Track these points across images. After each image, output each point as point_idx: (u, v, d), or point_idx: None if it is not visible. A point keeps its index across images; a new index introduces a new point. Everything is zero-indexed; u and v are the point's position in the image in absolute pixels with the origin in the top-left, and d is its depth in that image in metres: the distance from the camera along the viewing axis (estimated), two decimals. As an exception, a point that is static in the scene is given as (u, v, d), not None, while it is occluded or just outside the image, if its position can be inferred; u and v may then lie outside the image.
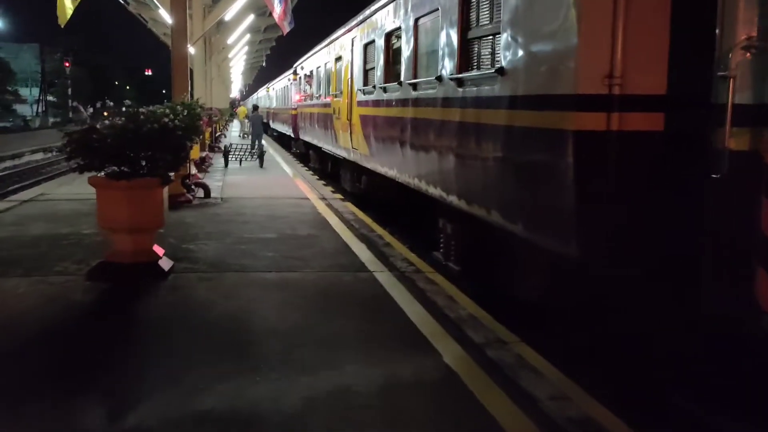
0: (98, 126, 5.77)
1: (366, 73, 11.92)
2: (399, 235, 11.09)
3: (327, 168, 18.54)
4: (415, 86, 8.44)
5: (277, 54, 58.05)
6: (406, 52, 8.85)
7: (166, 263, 6.59)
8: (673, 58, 4.39)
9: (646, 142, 4.39)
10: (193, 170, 14.55)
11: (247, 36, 31.14)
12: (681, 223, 4.30)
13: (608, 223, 4.44)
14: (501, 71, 5.54)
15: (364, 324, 5.42)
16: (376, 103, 10.71)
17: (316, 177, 17.80)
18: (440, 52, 7.28)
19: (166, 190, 6.52)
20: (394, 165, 9.68)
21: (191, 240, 8.42)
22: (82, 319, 5.49)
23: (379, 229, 9.77)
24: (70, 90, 68.92)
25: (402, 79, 8.99)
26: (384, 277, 6.87)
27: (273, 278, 6.69)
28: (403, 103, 8.97)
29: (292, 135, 26.75)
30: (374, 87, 10.81)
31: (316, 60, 19.37)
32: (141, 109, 6.17)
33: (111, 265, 6.20)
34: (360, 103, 12.16)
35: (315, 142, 19.27)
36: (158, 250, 6.63)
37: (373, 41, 11.09)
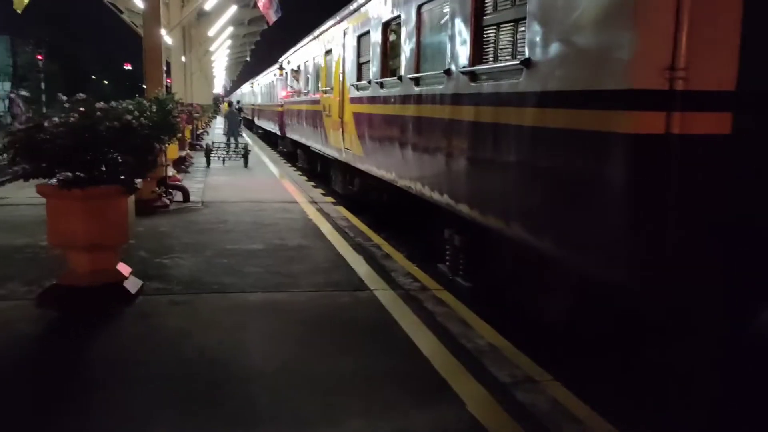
0: (46, 124, 4.95)
1: (360, 67, 11.17)
2: (395, 241, 10.37)
3: (316, 168, 17.77)
4: (417, 81, 7.70)
5: (263, 48, 57.09)
6: (407, 43, 8.11)
7: (133, 284, 5.81)
8: (746, 47, 3.68)
9: (714, 147, 3.69)
10: (171, 171, 13.74)
11: (230, 29, 30.20)
12: (757, 249, 3.61)
13: (667, 246, 3.73)
14: (527, 63, 4.81)
15: (367, 360, 4.68)
16: (372, 100, 9.97)
17: (305, 178, 17.03)
18: (449, 43, 6.55)
19: (131, 199, 5.71)
20: (392, 168, 8.94)
21: (165, 253, 7.63)
22: (21, 359, 4.59)
23: (376, 238, 9.04)
24: (43, 84, 67.47)
25: (402, 73, 8.25)
26: (386, 297, 6.14)
27: (259, 300, 5.93)
28: (403, 99, 8.24)
29: (279, 133, 25.93)
30: (369, 82, 10.07)
31: (304, 54, 18.58)
32: (99, 104, 5.37)
33: (65, 289, 5.40)
34: (353, 100, 11.41)
35: (303, 140, 18.49)
36: (123, 269, 5.85)
37: (368, 32, 10.35)
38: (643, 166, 3.68)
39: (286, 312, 5.63)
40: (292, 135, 21.34)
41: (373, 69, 9.88)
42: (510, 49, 5.41)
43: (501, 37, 5.55)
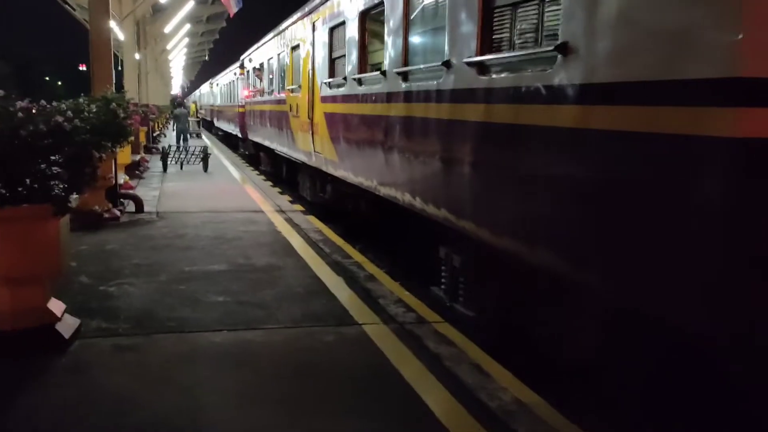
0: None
1: (333, 62, 10.11)
2: (373, 253, 9.35)
3: (281, 173, 16.60)
4: (406, 76, 6.68)
5: (222, 47, 55.54)
6: (392, 33, 7.08)
7: (67, 326, 4.64)
8: None
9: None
10: (123, 178, 12.45)
11: (188, 26, 28.80)
12: None
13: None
14: (563, 48, 3.83)
15: (365, 427, 3.64)
16: (348, 99, 8.92)
17: (269, 183, 15.87)
18: (449, 30, 5.54)
19: (65, 221, 4.55)
20: (373, 175, 7.90)
21: (112, 278, 6.45)
22: None
23: (356, 255, 7.98)
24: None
25: (387, 68, 7.22)
26: (379, 334, 5.10)
27: (224, 343, 4.82)
28: (388, 98, 7.21)
29: (240, 135, 24.63)
30: (345, 79, 9.01)
31: (268, 50, 17.40)
32: (21, 103, 4.21)
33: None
34: (325, 99, 10.33)
35: (267, 143, 17.31)
36: (56, 306, 4.68)
37: (342, 23, 9.29)
38: (754, 183, 2.71)
39: (258, 359, 4.54)
40: (254, 137, 20.13)
41: (350, 64, 8.82)
42: (534, 34, 4.42)
43: (521, 18, 4.55)
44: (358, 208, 9.73)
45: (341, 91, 9.34)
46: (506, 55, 4.71)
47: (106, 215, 9.41)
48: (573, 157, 3.81)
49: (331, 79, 10.04)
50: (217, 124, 38.37)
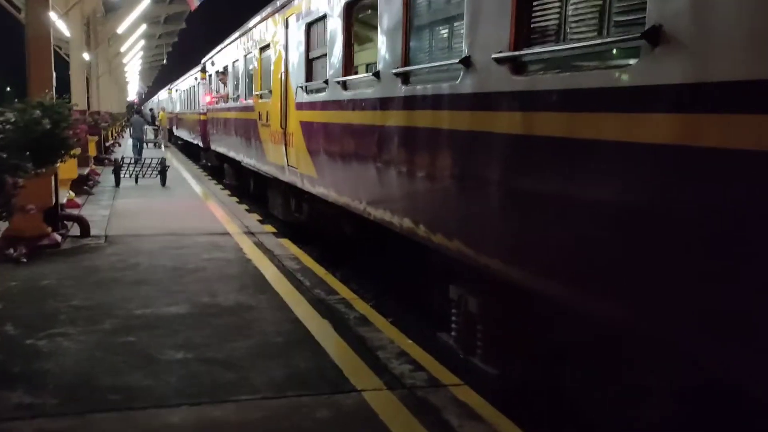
0: None
1: (310, 64, 9.11)
2: (357, 281, 8.37)
3: (249, 187, 15.50)
4: (407, 78, 5.73)
5: (181, 50, 54.17)
6: (388, 26, 6.13)
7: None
8: None
9: None
10: (67, 196, 11.25)
11: (143, 27, 27.51)
12: None
13: None
14: (652, 35, 2.90)
15: None
16: (330, 105, 7.93)
17: (235, 199, 14.75)
18: (468, 20, 4.61)
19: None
20: (362, 195, 6.92)
21: (44, 327, 5.32)
22: None
23: (341, 288, 6.97)
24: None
25: (381, 68, 6.26)
26: (385, 405, 4.11)
27: (185, 425, 3.77)
28: (382, 104, 6.24)
29: (201, 145, 23.42)
30: (326, 82, 8.02)
31: (233, 52, 16.33)
32: None
33: None
34: (301, 106, 9.33)
35: (232, 154, 16.19)
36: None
37: (323, 18, 8.31)
38: None
39: (232, 451, 3.51)
40: (217, 147, 18.97)
41: (332, 65, 7.84)
42: (594, 19, 3.49)
43: (573, 4, 3.62)
44: (341, 231, 8.73)
45: (321, 96, 8.35)
46: (554, 48, 3.78)
47: (44, 242, 8.24)
48: (671, 184, 2.87)
49: (308, 83, 9.05)
50: (176, 132, 36.95)
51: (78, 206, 11.98)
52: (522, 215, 4.02)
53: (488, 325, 4.97)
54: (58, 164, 8.19)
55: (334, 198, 7.95)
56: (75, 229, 9.48)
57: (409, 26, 5.76)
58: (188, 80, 30.42)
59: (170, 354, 4.82)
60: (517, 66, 4.04)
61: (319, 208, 9.23)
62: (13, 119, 4.11)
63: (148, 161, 17.03)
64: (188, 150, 31.32)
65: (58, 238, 8.57)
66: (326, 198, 8.31)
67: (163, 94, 54.37)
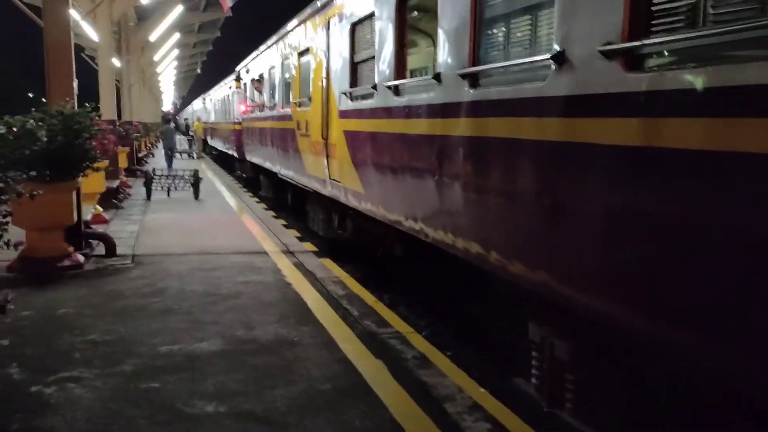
0: None
1: (355, 68, 8.41)
2: (405, 305, 7.64)
3: (286, 200, 14.85)
4: (475, 80, 4.96)
5: (215, 60, 54.30)
6: (452, 21, 5.38)
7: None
8: None
9: None
10: (92, 211, 10.72)
11: (177, 35, 27.24)
12: None
13: None
14: None
15: None
16: (379, 113, 7.20)
17: (272, 213, 14.12)
18: (564, 7, 3.83)
19: None
20: (418, 213, 6.17)
21: (55, 369, 4.65)
22: None
23: (394, 319, 6.23)
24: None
25: (442, 69, 5.51)
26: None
27: None
28: (444, 110, 5.48)
29: (236, 155, 22.93)
30: (374, 88, 7.30)
31: (269, 58, 15.76)
32: None
33: None
34: (345, 114, 8.63)
35: (268, 165, 15.59)
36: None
37: (370, 17, 7.61)
38: None
39: None
40: (253, 158, 18.41)
41: (381, 69, 7.12)
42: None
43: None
44: (392, 252, 7.98)
45: (368, 103, 7.63)
46: (689, 35, 2.98)
47: (65, 263, 7.64)
48: None
49: (353, 89, 8.34)
50: (210, 142, 36.72)
51: (105, 221, 11.45)
52: (651, 249, 3.20)
53: (582, 375, 4.16)
54: (79, 178, 7.63)
55: (383, 215, 7.21)
56: (100, 248, 8.91)
57: (478, 19, 5.00)
58: (222, 89, 30.10)
59: (200, 406, 4.11)
60: (633, 60, 3.25)
61: (366, 225, 8.50)
62: (3, 130, 3.45)
63: (180, 173, 16.50)
64: (223, 160, 30.98)
65: (81, 258, 7.98)
66: (374, 215, 7.58)
67: (197, 104, 54.50)
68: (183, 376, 4.57)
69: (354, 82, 8.42)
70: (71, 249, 7.87)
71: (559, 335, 4.34)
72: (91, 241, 8.81)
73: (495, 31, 4.91)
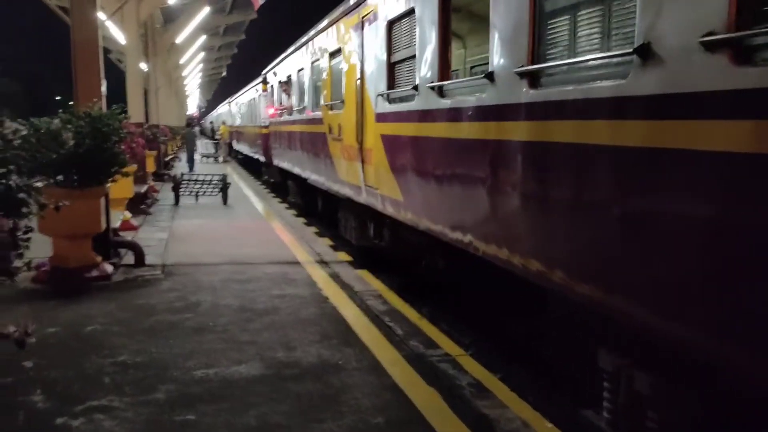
0: None
1: (393, 68, 8.01)
2: (443, 318, 7.22)
3: (315, 206, 14.50)
4: (536, 79, 4.53)
5: (241, 62, 54.33)
6: (507, 13, 4.95)
7: None
8: None
9: None
10: (121, 218, 10.46)
11: (203, 38, 27.09)
12: None
13: None
14: None
15: None
16: (422, 116, 6.80)
17: (302, 220, 13.79)
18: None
19: None
20: (467, 226, 5.75)
21: (82, 396, 4.31)
22: None
23: (443, 340, 5.83)
24: (-5, 107, 64.20)
25: (494, 68, 5.08)
26: None
27: None
28: (498, 113, 5.06)
29: (263, 159, 22.66)
30: (416, 89, 6.90)
31: (298, 60, 15.43)
32: None
33: None
34: (383, 117, 8.23)
35: (297, 171, 15.25)
36: None
37: (410, 13, 7.20)
38: None
39: None
40: (280, 163, 18.09)
41: (423, 69, 6.71)
42: None
43: None
44: (434, 265, 7.57)
45: (409, 105, 7.22)
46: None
47: (93, 273, 7.34)
48: None
49: (391, 91, 7.94)
50: (236, 146, 36.57)
51: (134, 228, 11.18)
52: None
53: (666, 412, 3.71)
54: (108, 184, 7.33)
55: (426, 226, 6.80)
56: (129, 257, 8.61)
57: (538, 11, 4.57)
58: (248, 93, 29.90)
59: (240, 442, 3.74)
60: (743, 52, 2.81)
61: (405, 235, 8.09)
62: (22, 131, 3.10)
63: (209, 178, 16.24)
64: (248, 164, 30.78)
65: (109, 268, 7.67)
66: (415, 225, 7.17)
67: (222, 108, 54.53)
68: (221, 407, 4.20)
69: (392, 83, 8.02)
70: (99, 258, 7.56)
71: (638, 365, 3.89)
72: (119, 249, 8.51)
73: (558, 23, 4.47)
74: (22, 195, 2.86)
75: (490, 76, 5.16)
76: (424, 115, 6.72)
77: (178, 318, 6.16)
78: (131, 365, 4.91)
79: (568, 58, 4.36)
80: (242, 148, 32.76)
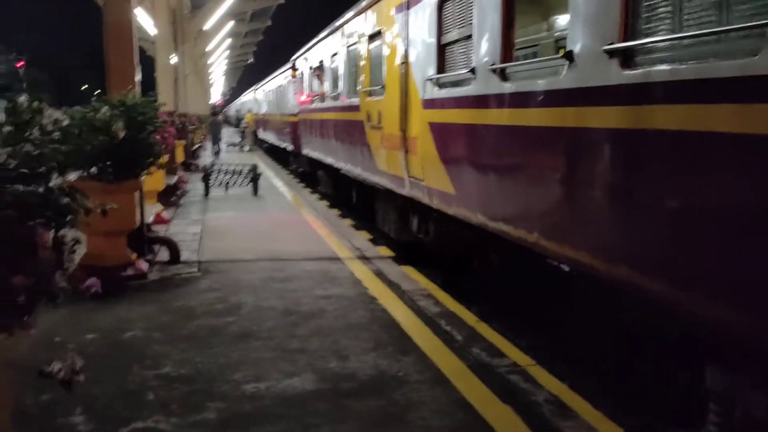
0: None
1: (443, 50, 7.50)
2: (496, 316, 6.73)
3: (348, 197, 14.05)
4: (629, 58, 4.02)
5: (267, 48, 53.99)
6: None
7: None
8: None
9: None
10: (154, 211, 10.10)
11: (231, 23, 26.71)
12: None
13: None
14: None
15: None
16: (480, 102, 6.30)
17: (337, 211, 13.35)
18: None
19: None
20: (536, 223, 5.26)
21: (126, 416, 3.90)
22: None
23: (508, 348, 5.34)
24: (25, 94, 64.60)
25: (574, 46, 4.57)
26: None
27: None
28: (578, 97, 4.55)
29: (291, 148, 22.26)
30: (473, 72, 6.39)
31: (331, 44, 14.95)
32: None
33: None
34: (431, 103, 7.74)
35: (329, 160, 14.80)
36: None
37: (466, -10, 6.69)
38: None
39: None
40: (311, 152, 17.65)
41: (482, 50, 6.21)
42: None
43: None
44: (488, 261, 7.09)
45: (464, 90, 6.72)
46: None
47: (129, 272, 6.97)
48: None
49: (441, 75, 7.44)
50: (261, 135, 36.25)
51: (166, 222, 10.83)
52: None
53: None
54: (143, 177, 6.94)
55: (482, 222, 6.32)
56: (163, 253, 8.24)
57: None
58: (276, 80, 29.49)
59: (305, 475, 3.31)
60: None
61: (455, 230, 7.61)
62: (64, 121, 2.69)
63: (239, 168, 15.87)
64: (273, 153, 30.43)
65: (145, 266, 7.29)
66: (469, 221, 6.69)
67: (246, 96, 54.23)
68: (278, 429, 3.77)
69: (442, 67, 7.52)
70: (134, 256, 7.19)
71: (758, 388, 3.39)
72: (154, 245, 8.15)
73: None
74: (66, 200, 2.44)
75: (569, 56, 4.64)
76: (483, 101, 6.22)
77: (220, 322, 5.75)
78: (176, 378, 4.50)
79: (668, 33, 3.84)
80: (268, 136, 32.41)
